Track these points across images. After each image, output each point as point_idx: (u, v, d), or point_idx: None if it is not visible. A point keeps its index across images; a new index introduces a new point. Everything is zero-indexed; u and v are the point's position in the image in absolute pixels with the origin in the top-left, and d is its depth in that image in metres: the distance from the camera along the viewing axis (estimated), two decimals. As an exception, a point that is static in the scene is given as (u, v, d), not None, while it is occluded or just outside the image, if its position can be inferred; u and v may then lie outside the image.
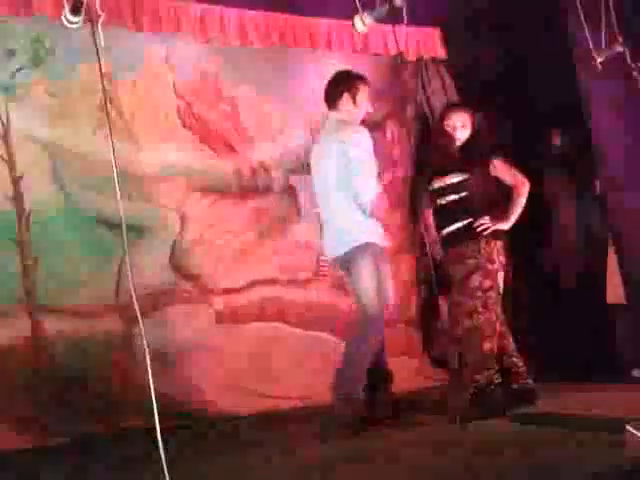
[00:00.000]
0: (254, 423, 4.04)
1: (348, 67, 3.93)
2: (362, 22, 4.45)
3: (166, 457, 2.38)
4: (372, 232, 3.48)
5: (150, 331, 3.91)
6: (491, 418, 3.43)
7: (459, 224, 3.68)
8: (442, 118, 3.87)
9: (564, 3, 3.84)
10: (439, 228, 3.78)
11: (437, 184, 3.75)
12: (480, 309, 3.60)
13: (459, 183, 3.70)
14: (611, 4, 3.22)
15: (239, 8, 4.60)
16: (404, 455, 2.97)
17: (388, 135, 5.20)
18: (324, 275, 4.50)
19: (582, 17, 3.24)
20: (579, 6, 3.25)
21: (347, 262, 3.49)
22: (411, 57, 5.12)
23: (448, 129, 3.77)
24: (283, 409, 4.26)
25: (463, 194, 3.70)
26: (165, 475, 2.38)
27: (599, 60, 3.35)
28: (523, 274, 4.85)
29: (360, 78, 3.62)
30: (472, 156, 3.75)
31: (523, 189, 3.72)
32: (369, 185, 3.41)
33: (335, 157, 3.46)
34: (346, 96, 3.54)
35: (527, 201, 3.75)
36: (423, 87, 5.29)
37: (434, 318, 5.02)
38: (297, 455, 3.13)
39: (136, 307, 2.58)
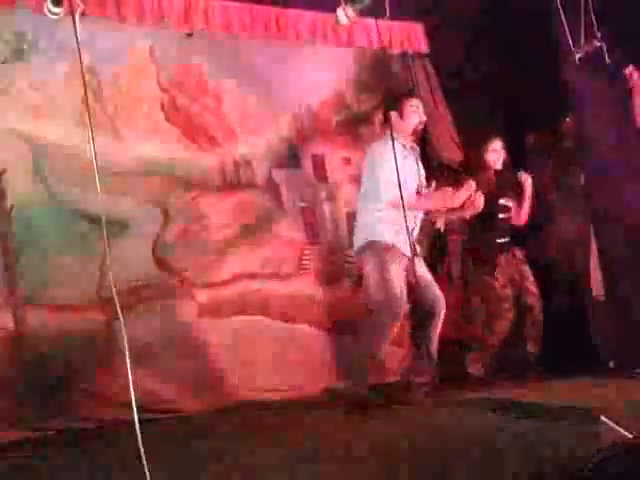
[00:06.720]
0: (237, 415, 4.07)
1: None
2: (345, 14, 4.47)
3: (146, 451, 2.39)
4: (378, 232, 3.85)
5: (133, 325, 3.92)
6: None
7: None
8: (486, 145, 4.56)
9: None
10: None
11: None
12: None
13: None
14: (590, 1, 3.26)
15: (223, 0, 4.59)
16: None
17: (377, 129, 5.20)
18: (306, 267, 4.66)
19: (562, 16, 3.28)
20: (559, 5, 3.30)
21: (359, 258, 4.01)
22: (395, 51, 5.13)
23: (492, 158, 4.54)
24: (265, 401, 4.28)
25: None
26: (145, 469, 2.41)
27: (578, 56, 3.41)
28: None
29: None
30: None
31: None
32: (382, 189, 3.81)
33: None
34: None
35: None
36: (410, 80, 5.29)
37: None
38: (282, 447, 3.15)
39: (116, 301, 2.61)
